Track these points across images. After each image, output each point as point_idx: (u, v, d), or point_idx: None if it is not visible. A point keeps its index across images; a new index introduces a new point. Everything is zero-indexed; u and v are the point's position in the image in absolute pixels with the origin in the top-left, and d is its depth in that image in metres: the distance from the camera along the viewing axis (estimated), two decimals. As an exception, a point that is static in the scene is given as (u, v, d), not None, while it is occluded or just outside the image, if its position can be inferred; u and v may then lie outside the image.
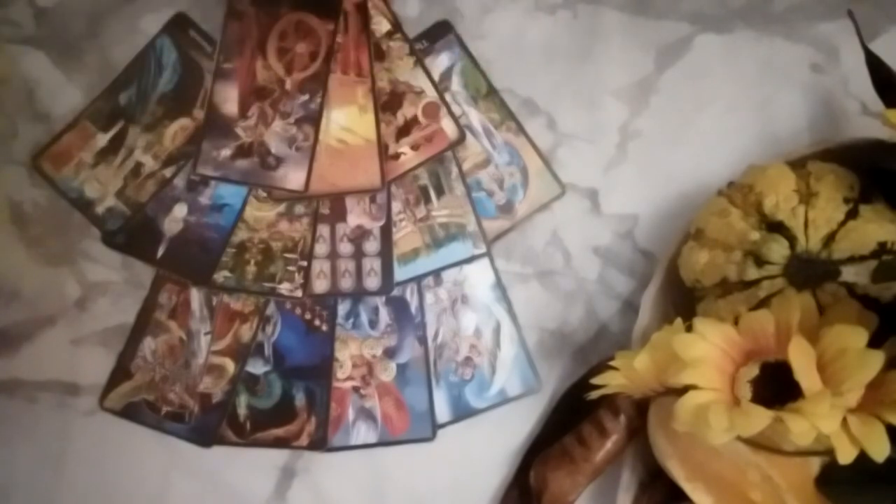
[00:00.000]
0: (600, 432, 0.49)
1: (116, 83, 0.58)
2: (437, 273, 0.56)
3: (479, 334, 0.56)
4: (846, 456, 0.36)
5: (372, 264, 0.57)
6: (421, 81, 0.58)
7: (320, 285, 0.57)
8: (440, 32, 0.58)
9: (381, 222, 0.57)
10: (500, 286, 0.57)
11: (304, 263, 0.57)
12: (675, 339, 0.40)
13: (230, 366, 0.56)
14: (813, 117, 0.57)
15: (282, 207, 0.57)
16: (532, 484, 0.51)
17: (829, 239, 0.44)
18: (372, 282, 0.56)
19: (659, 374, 0.42)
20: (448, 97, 0.58)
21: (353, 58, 0.58)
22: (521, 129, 0.57)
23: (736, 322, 0.42)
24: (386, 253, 0.57)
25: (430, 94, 0.58)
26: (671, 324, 0.43)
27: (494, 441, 0.55)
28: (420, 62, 0.58)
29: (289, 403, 0.56)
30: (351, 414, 0.56)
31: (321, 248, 0.57)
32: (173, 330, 0.57)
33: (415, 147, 0.57)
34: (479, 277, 0.57)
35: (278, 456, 0.56)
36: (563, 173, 0.57)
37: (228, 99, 0.58)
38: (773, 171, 0.46)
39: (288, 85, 0.58)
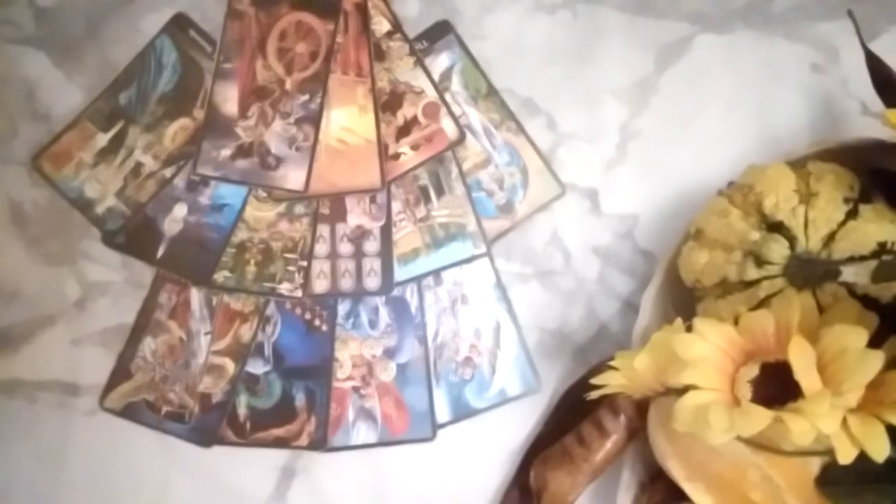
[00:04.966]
0: (600, 432, 0.49)
1: (116, 83, 0.58)
2: (437, 273, 0.56)
3: (479, 334, 0.56)
4: (846, 456, 0.36)
5: (372, 264, 0.56)
6: (421, 81, 0.58)
7: (320, 285, 0.57)
8: (440, 32, 0.58)
9: (381, 222, 0.57)
10: (500, 286, 0.56)
11: (304, 263, 0.57)
12: (675, 339, 0.40)
13: (230, 366, 0.56)
14: (813, 117, 0.57)
15: (282, 207, 0.57)
16: (532, 484, 0.51)
17: (829, 239, 0.44)
18: (372, 282, 0.56)
19: (659, 374, 0.42)
20: (448, 97, 0.58)
21: (353, 58, 0.58)
22: (521, 129, 0.57)
23: (736, 322, 0.42)
24: (386, 253, 0.57)
25: (430, 94, 0.58)
26: (671, 324, 0.43)
27: (494, 441, 0.55)
28: (420, 62, 0.58)
29: (289, 403, 0.56)
30: (351, 414, 0.56)
31: (321, 248, 0.57)
32: (173, 330, 0.57)
33: (415, 147, 0.57)
34: (479, 277, 0.57)
35: (278, 456, 0.56)
36: (563, 173, 0.57)
37: (228, 99, 0.58)
38: (773, 171, 0.46)
39: (288, 85, 0.58)
